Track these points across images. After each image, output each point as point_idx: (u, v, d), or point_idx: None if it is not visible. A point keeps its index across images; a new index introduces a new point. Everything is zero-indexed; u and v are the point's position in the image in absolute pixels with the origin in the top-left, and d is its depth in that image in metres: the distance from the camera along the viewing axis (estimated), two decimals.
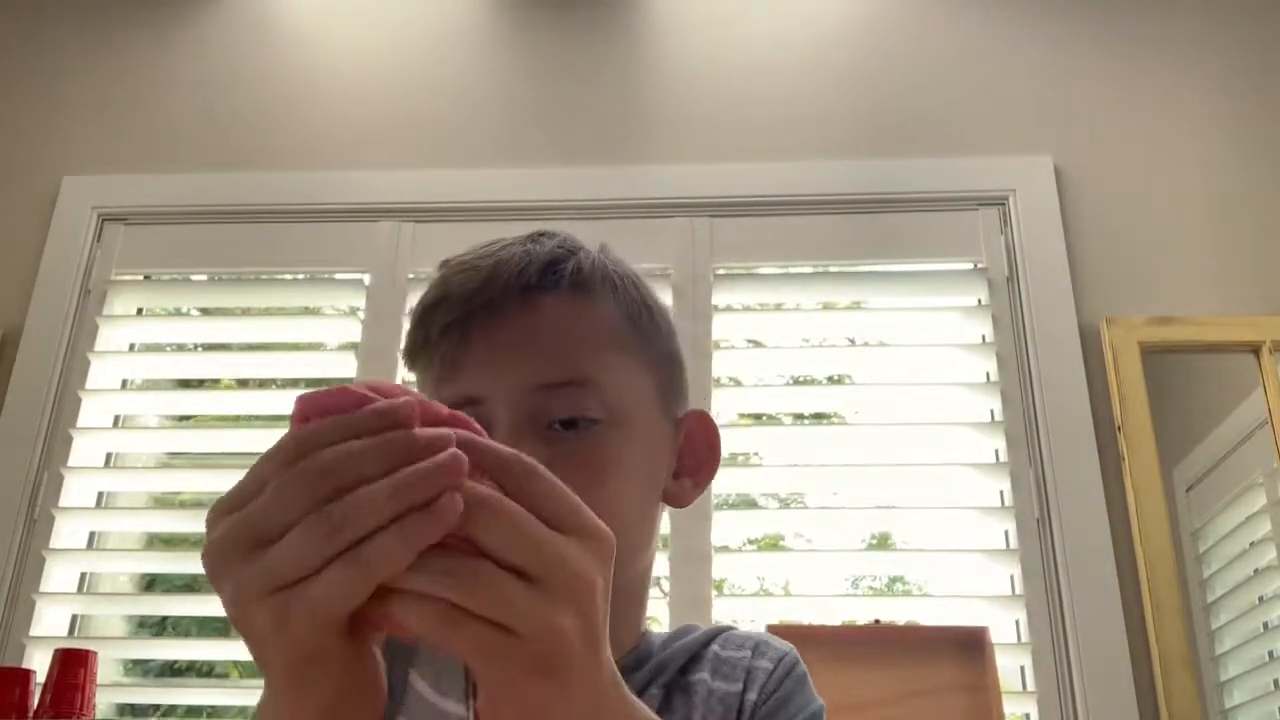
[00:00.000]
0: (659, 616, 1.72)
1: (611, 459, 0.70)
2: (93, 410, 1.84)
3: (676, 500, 0.76)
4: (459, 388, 0.69)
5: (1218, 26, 1.99)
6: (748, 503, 1.84)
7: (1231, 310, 1.76)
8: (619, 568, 0.61)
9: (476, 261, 0.71)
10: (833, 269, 1.89)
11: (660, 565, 1.68)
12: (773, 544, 1.89)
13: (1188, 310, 1.76)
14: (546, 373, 0.68)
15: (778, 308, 1.90)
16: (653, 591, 0.80)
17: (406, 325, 0.74)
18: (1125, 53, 1.99)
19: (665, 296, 1.84)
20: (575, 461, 0.66)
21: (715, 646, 0.76)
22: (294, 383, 1.91)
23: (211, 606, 1.76)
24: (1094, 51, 1.99)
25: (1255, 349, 1.71)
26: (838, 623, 1.65)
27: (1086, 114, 1.94)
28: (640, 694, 0.70)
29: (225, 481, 1.95)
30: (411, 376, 0.76)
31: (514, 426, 0.67)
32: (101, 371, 1.86)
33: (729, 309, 1.85)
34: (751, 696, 0.73)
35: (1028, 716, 1.58)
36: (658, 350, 0.76)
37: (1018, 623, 1.64)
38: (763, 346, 1.89)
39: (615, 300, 0.73)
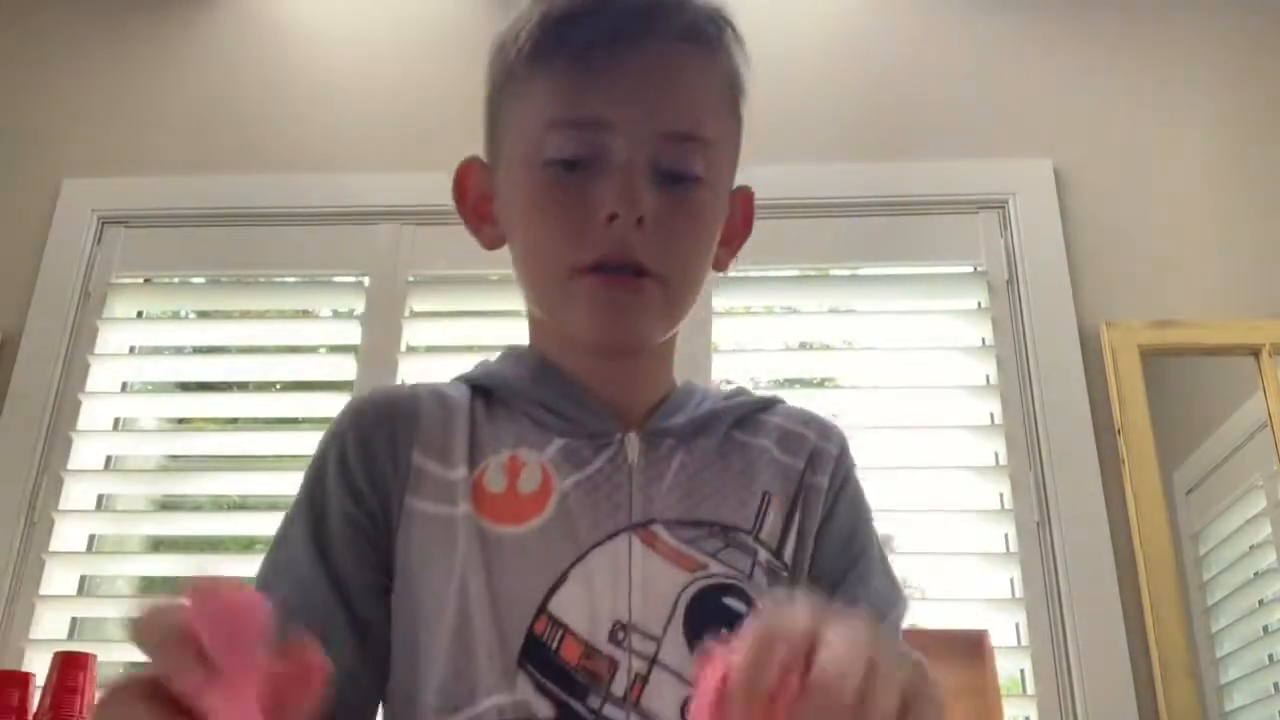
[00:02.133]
0: None
1: (707, 217, 0.75)
2: (92, 413, 1.84)
3: (719, 264, 0.81)
4: (591, 109, 0.70)
5: (1218, 30, 2.00)
6: None
7: (1231, 313, 1.76)
8: (675, 318, 0.76)
9: None
10: (833, 271, 1.90)
11: None
12: None
13: (1187, 313, 1.76)
14: (679, 123, 0.72)
15: (778, 310, 1.90)
16: None
17: (517, 39, 0.75)
18: (1125, 56, 1.99)
19: None
20: (682, 213, 0.72)
21: (778, 418, 0.80)
22: (294, 385, 1.91)
23: None
24: (1094, 55, 1.99)
25: (1255, 352, 1.71)
26: None
27: (1086, 117, 1.94)
28: (690, 438, 0.74)
29: (225, 484, 1.95)
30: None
31: (631, 164, 0.70)
32: (101, 374, 1.86)
33: (729, 312, 1.85)
34: (820, 480, 0.76)
35: (1027, 719, 1.58)
36: (740, 120, 0.80)
37: (1017, 626, 1.64)
38: (763, 349, 1.89)
39: (731, 61, 0.77)
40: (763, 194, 2.05)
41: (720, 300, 1.84)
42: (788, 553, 0.73)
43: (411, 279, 1.87)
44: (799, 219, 1.89)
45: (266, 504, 1.83)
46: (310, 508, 0.72)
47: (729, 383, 0.91)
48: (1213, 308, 1.77)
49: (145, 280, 1.95)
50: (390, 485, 0.71)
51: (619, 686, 0.65)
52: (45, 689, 1.39)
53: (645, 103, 0.71)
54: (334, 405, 1.84)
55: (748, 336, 1.88)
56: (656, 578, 0.68)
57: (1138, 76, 1.97)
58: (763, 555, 0.71)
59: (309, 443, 1.81)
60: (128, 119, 2.05)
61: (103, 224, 1.95)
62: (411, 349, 1.86)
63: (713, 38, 0.74)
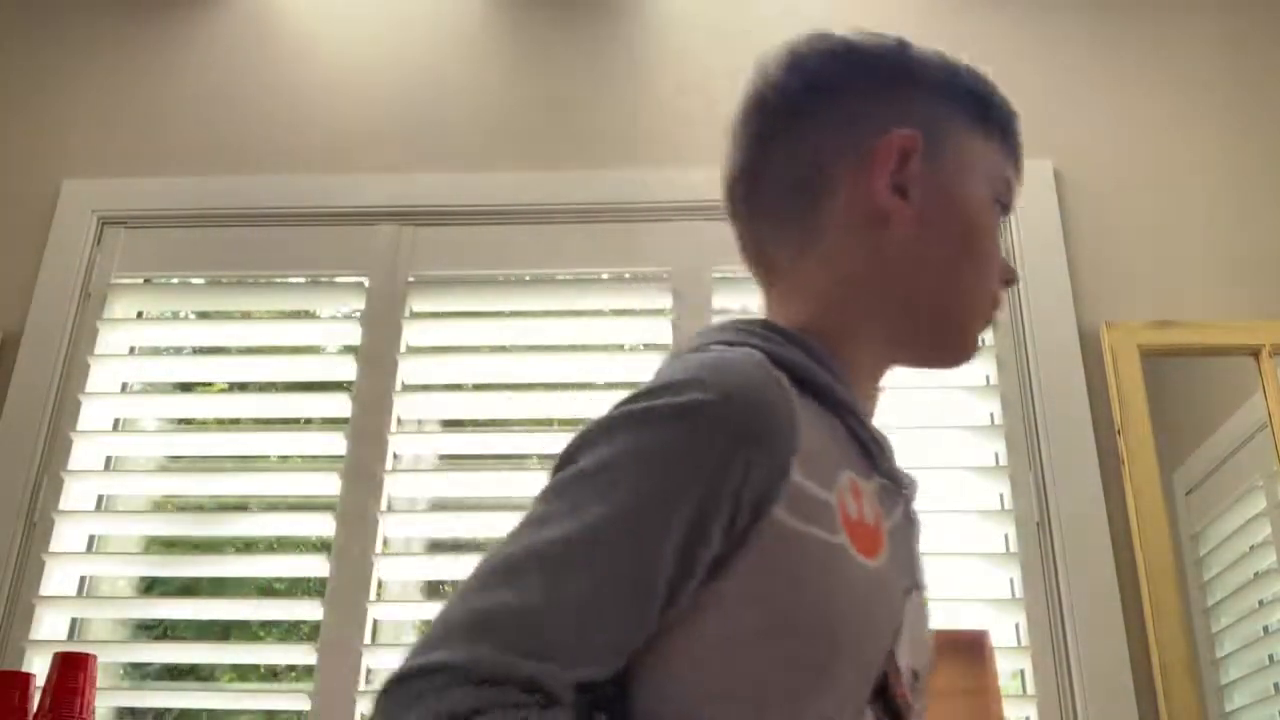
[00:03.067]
0: None
1: None
2: (93, 413, 1.84)
3: None
4: (1016, 191, 0.83)
5: (1217, 31, 2.00)
6: None
7: (1231, 314, 1.76)
8: None
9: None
10: None
11: None
12: None
13: (1187, 314, 1.76)
14: None
15: None
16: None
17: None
18: (1125, 57, 1.99)
19: (664, 299, 1.84)
20: None
21: None
22: (294, 386, 1.91)
23: (210, 610, 1.76)
24: (1094, 56, 1.99)
25: (1255, 352, 1.71)
26: None
27: (1086, 118, 1.94)
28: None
29: (225, 485, 1.95)
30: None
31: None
32: (101, 375, 1.86)
33: (729, 312, 1.85)
34: None
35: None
36: None
37: (1017, 626, 1.64)
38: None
39: None
40: None
41: (719, 300, 1.84)
42: None
43: (411, 279, 1.88)
44: None
45: (267, 505, 1.84)
46: (676, 538, 0.60)
47: None
48: (1213, 308, 1.77)
49: (145, 281, 1.95)
50: (762, 500, 0.62)
51: None
52: (45, 689, 1.39)
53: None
54: (334, 405, 1.85)
55: None
56: (927, 636, 0.76)
57: (1138, 79, 1.97)
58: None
59: (309, 443, 1.83)
60: (128, 119, 2.05)
61: (103, 224, 1.95)
62: (411, 349, 1.86)
63: None
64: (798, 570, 0.63)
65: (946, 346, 0.80)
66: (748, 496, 0.61)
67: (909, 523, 0.77)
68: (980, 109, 0.82)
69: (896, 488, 0.76)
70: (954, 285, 0.78)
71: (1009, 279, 0.82)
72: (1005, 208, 0.82)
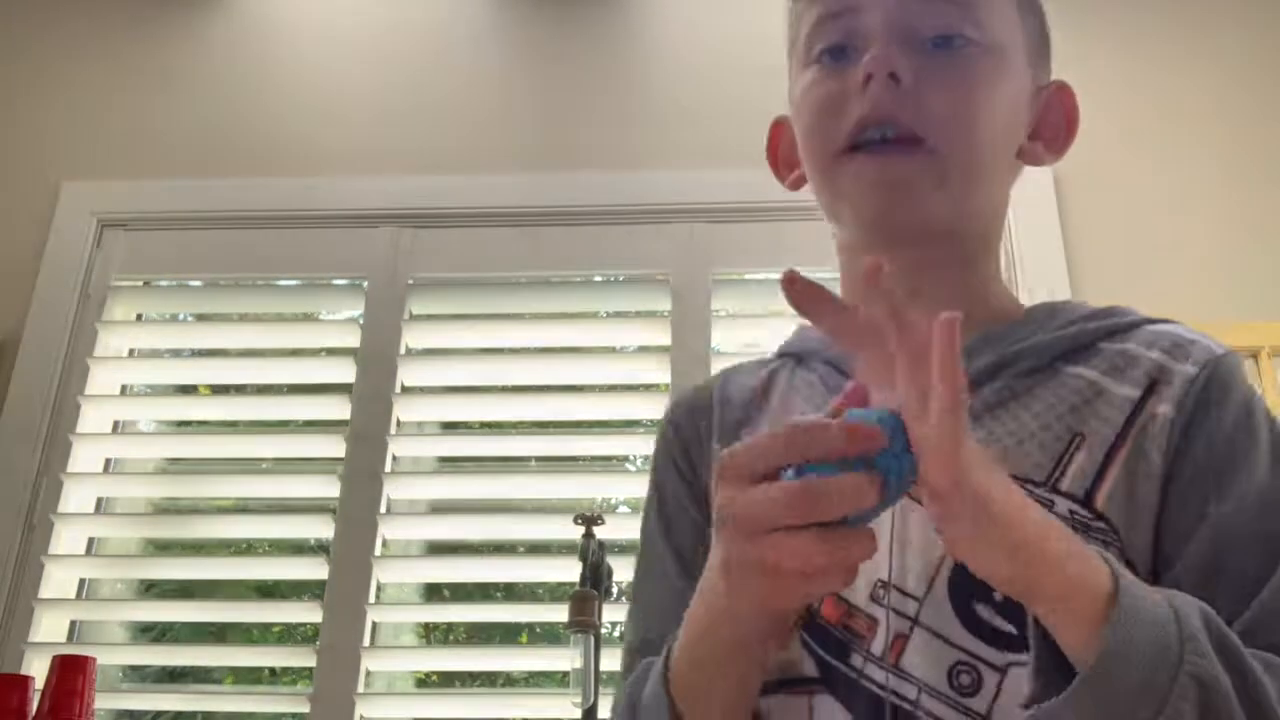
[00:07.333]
0: None
1: (980, 81, 0.72)
2: (92, 416, 1.84)
3: (1031, 158, 0.80)
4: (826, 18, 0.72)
5: (1216, 33, 2.00)
6: None
7: (1230, 315, 1.75)
8: (956, 193, 0.71)
9: None
10: (832, 274, 1.89)
11: None
12: None
13: (1187, 314, 1.75)
14: None
15: (778, 313, 1.90)
16: None
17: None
18: (1124, 59, 1.99)
19: (663, 302, 1.84)
20: (944, 76, 0.70)
21: (1126, 344, 0.73)
22: (294, 388, 1.91)
23: (209, 612, 1.76)
24: (1092, 57, 1.99)
25: (1254, 354, 1.71)
26: None
27: (1085, 120, 1.93)
28: (985, 381, 0.69)
29: (224, 488, 1.94)
30: None
31: (888, 36, 0.69)
32: (101, 377, 1.86)
33: (729, 314, 1.85)
34: (1165, 410, 0.66)
35: None
36: (1033, 9, 0.81)
37: None
38: (763, 351, 1.88)
39: None
40: (763, 196, 2.03)
41: (720, 302, 1.84)
42: (1100, 499, 0.64)
43: (411, 282, 1.87)
44: (799, 220, 1.88)
45: (265, 507, 1.83)
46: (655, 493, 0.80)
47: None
48: (1213, 308, 1.77)
49: (144, 283, 1.95)
50: (705, 474, 0.76)
51: (878, 646, 0.63)
52: (44, 692, 1.38)
53: None
54: (334, 408, 1.84)
55: (748, 338, 1.88)
56: (918, 536, 0.64)
57: (1137, 80, 1.97)
58: (1062, 506, 0.63)
59: (309, 445, 1.83)
60: (127, 122, 2.05)
61: (102, 227, 1.95)
62: (411, 351, 1.86)
63: None
64: None
65: (844, 213, 0.76)
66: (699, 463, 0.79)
67: None
68: None
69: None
70: (809, 165, 0.76)
71: (870, 77, 0.69)
72: (833, 45, 0.72)
